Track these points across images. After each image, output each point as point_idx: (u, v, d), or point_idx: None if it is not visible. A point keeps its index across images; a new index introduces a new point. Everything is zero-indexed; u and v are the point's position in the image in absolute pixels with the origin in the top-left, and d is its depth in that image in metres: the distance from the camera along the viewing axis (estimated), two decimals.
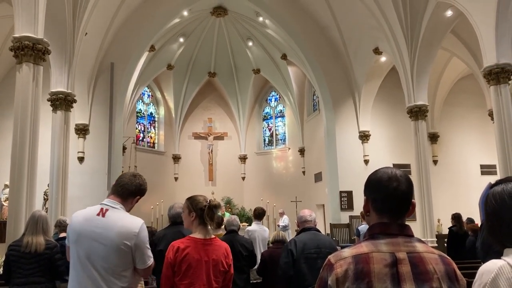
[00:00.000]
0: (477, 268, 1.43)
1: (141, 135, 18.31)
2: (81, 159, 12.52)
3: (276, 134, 19.99)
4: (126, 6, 12.56)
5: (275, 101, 20.16)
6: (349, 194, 13.81)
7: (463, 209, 9.58)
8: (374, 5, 11.68)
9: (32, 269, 3.91)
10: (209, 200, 2.91)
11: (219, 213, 9.97)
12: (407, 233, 1.49)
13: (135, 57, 13.61)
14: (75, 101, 10.45)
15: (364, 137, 14.35)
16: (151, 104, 19.07)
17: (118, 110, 12.99)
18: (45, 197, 11.17)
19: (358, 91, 14.22)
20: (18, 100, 7.05)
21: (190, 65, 18.47)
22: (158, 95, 19.12)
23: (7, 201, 9.40)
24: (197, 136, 19.50)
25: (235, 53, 18.46)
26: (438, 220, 13.61)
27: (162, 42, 16.40)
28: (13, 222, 6.67)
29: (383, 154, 14.23)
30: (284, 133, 19.72)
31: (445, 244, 8.58)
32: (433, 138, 15.47)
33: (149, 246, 2.55)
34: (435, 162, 15.34)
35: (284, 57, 17.12)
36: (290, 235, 12.77)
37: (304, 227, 4.24)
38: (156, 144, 18.94)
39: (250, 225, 10.88)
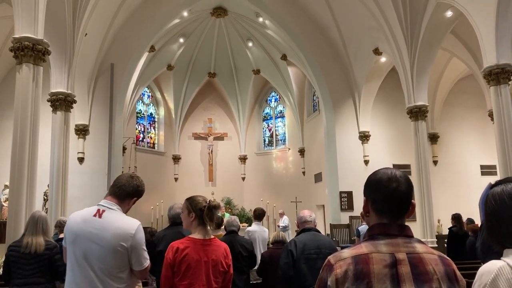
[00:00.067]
0: (477, 268, 1.43)
1: (141, 135, 18.31)
2: (81, 160, 12.52)
3: (276, 135, 19.98)
4: (126, 7, 12.56)
5: (275, 101, 20.16)
6: (349, 194, 13.81)
7: (463, 210, 9.58)
8: (374, 6, 11.68)
9: (32, 269, 3.91)
10: (209, 201, 2.92)
11: (219, 214, 9.97)
12: (407, 234, 1.49)
13: (135, 58, 13.61)
14: (75, 101, 10.45)
15: (364, 137, 14.35)
16: (151, 104, 19.07)
17: (118, 110, 12.99)
18: (45, 197, 11.17)
19: (358, 92, 14.22)
20: (18, 101, 7.05)
21: (190, 66, 18.47)
22: (158, 95, 19.12)
23: (7, 202, 9.40)
24: (197, 137, 19.50)
25: (235, 54, 18.46)
26: (438, 221, 13.60)
27: (162, 43, 16.40)
28: (13, 222, 6.67)
29: (383, 154, 14.23)
30: (284, 133, 19.72)
31: (445, 245, 8.58)
32: (433, 138, 15.47)
33: (145, 248, 2.54)
34: (435, 162, 15.33)
35: (284, 57, 17.13)
36: (290, 236, 12.77)
37: (304, 227, 4.24)
38: (156, 145, 18.94)
39: (250, 225, 10.88)
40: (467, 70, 14.62)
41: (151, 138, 18.81)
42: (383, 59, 13.41)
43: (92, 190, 11.65)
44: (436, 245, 10.82)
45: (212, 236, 2.88)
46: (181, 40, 17.18)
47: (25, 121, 6.98)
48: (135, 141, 16.55)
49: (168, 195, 16.81)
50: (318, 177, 16.13)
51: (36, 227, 4.00)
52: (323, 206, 15.57)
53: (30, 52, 7.15)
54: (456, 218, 8.11)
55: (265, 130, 20.31)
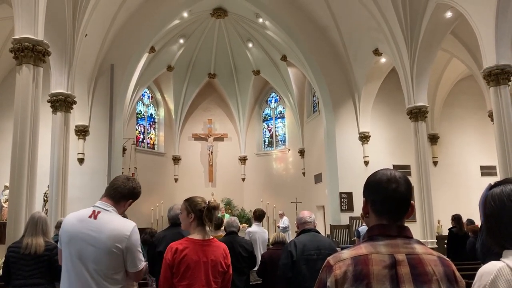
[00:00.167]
0: (477, 269, 1.43)
1: (141, 136, 18.31)
2: (81, 160, 12.52)
3: (276, 135, 19.99)
4: (126, 8, 12.57)
5: (275, 102, 20.17)
6: (349, 195, 13.80)
7: (463, 210, 9.56)
8: (374, 7, 11.69)
9: (32, 270, 3.90)
10: (208, 202, 2.92)
11: (219, 215, 9.97)
12: (406, 235, 1.49)
13: (135, 59, 13.61)
14: (75, 102, 10.45)
15: (364, 138, 14.35)
16: (151, 105, 19.08)
17: (118, 111, 12.99)
18: (45, 198, 11.16)
19: (358, 92, 14.23)
20: (18, 102, 7.05)
21: (190, 66, 18.48)
22: (158, 96, 19.13)
23: (7, 203, 9.39)
24: (197, 137, 19.50)
25: (235, 54, 18.47)
26: (438, 221, 13.60)
27: (162, 44, 16.41)
28: (13, 223, 6.67)
29: (383, 155, 14.22)
30: (284, 134, 19.72)
31: (445, 245, 8.58)
32: (433, 139, 15.46)
33: (140, 250, 2.53)
34: (435, 163, 15.33)
35: (284, 58, 17.13)
36: (290, 236, 12.76)
37: (304, 228, 4.24)
38: (156, 145, 18.95)
39: (250, 226, 10.88)
40: (467, 71, 14.63)
41: (151, 139, 18.82)
42: (383, 60, 13.42)
43: (92, 191, 11.62)
44: (436, 246, 10.82)
45: (211, 237, 2.88)
46: (181, 41, 17.19)
47: (25, 122, 6.98)
48: (135, 142, 16.56)
49: (168, 195, 16.81)
50: (318, 178, 16.13)
51: (36, 228, 3.99)
52: (323, 206, 15.57)
53: (30, 53, 7.15)
54: (456, 218, 8.11)
55: (265, 131, 20.31)
